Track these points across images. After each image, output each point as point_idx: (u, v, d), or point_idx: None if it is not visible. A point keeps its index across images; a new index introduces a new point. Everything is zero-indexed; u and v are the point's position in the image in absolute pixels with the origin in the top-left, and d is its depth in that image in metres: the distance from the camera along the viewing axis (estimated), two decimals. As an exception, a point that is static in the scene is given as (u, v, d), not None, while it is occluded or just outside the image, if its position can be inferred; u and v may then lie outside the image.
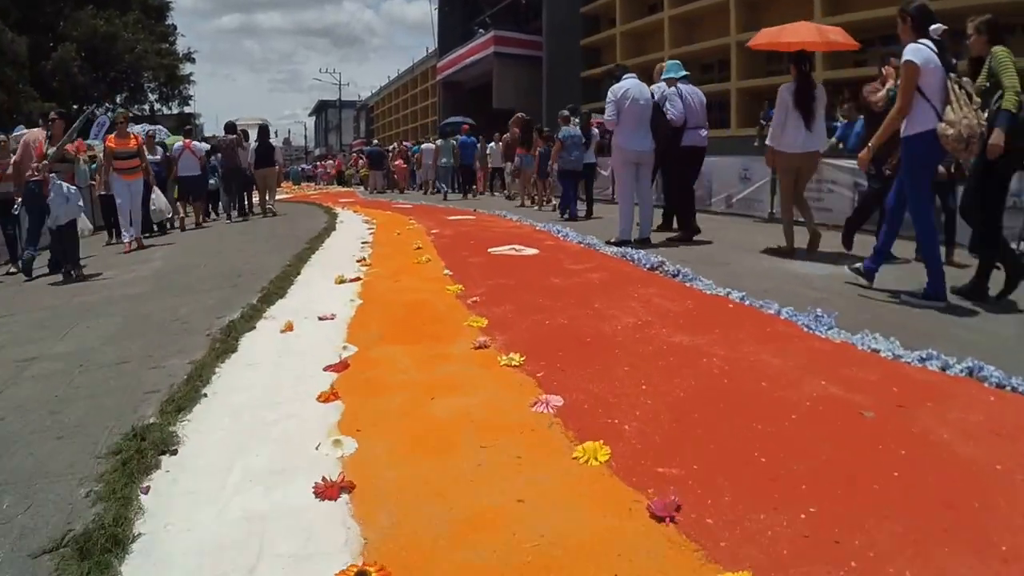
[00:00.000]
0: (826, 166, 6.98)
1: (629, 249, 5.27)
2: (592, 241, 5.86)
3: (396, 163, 19.92)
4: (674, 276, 4.20)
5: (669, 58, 7.73)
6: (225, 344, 2.92)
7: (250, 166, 11.33)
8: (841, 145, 6.90)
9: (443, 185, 15.49)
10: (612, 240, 5.83)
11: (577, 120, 9.12)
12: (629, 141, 5.90)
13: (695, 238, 6.29)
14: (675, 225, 6.78)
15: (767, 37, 6.65)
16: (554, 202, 10.39)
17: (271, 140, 11.87)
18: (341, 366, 2.64)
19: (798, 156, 5.26)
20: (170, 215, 8.77)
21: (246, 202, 11.93)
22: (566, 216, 8.58)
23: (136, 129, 11.21)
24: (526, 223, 8.02)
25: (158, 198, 8.40)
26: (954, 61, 3.62)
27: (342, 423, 2.07)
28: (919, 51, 3.52)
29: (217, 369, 2.64)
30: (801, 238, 5.31)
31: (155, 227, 9.22)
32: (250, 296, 4.08)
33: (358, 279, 4.48)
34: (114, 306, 4.35)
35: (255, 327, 3.26)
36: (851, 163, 5.99)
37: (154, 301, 4.42)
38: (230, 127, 11.47)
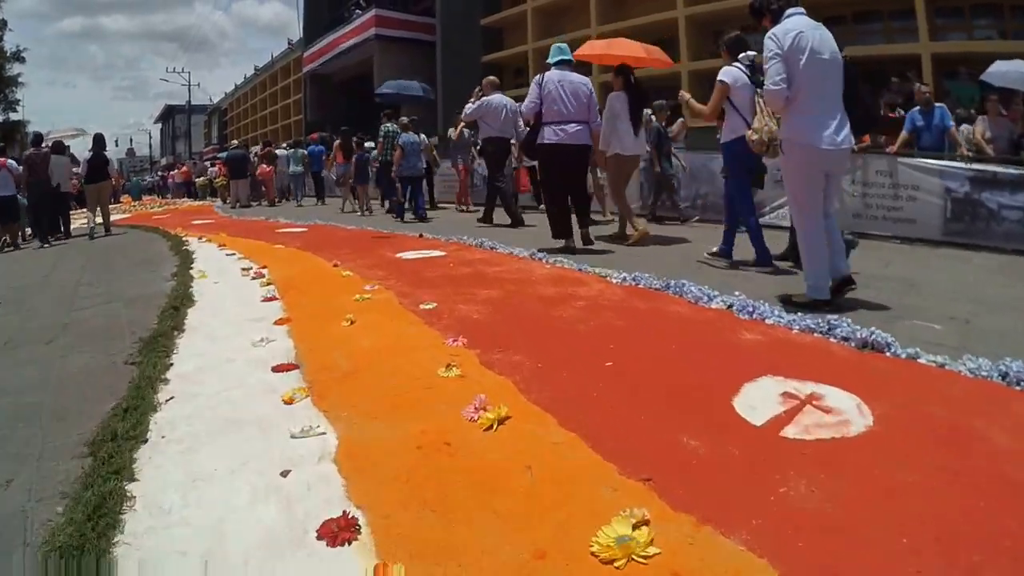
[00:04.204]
0: (903, 167, 5.90)
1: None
2: (770, 312, 2.68)
3: (269, 168, 15.26)
4: None
5: (598, 37, 7.68)
6: None
7: (76, 179, 10.65)
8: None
9: (297, 192, 14.86)
10: (796, 298, 3.19)
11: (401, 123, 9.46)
12: (813, 129, 3.03)
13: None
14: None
15: (597, 50, 7.09)
16: (363, 207, 10.68)
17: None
18: None
19: (634, 159, 5.86)
20: None
21: (61, 226, 10.41)
22: (398, 218, 8.69)
23: None
24: (554, 263, 4.50)
25: None
26: (761, 78, 4.15)
27: None
28: (729, 72, 4.41)
29: None
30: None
31: None
32: None
33: None
34: None
35: None
36: (937, 163, 5.80)
37: None
38: (37, 139, 10.52)
